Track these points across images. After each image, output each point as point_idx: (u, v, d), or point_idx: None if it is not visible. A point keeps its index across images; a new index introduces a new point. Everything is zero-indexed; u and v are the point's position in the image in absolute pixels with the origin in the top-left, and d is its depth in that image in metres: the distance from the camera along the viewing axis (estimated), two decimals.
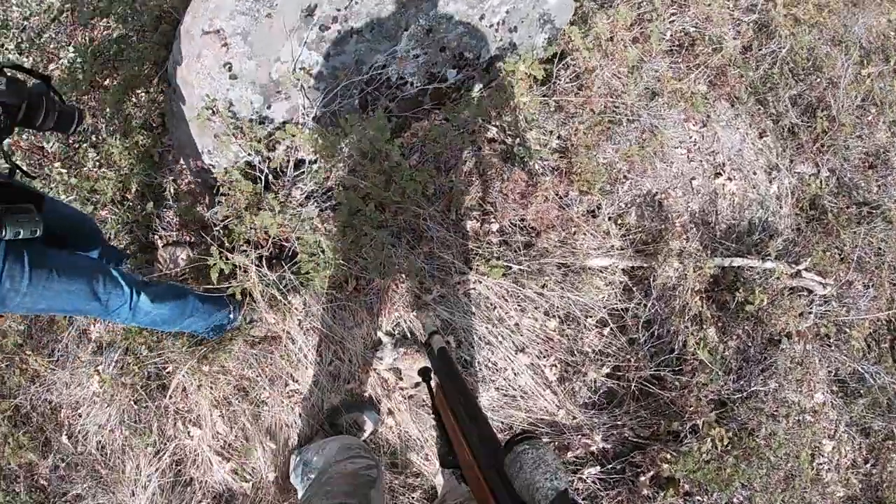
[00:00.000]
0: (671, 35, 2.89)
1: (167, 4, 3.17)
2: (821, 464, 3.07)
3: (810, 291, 3.16)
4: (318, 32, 2.32)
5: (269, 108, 2.41)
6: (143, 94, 2.93)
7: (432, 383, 1.35)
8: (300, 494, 2.09)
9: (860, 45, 3.78)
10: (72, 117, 1.73)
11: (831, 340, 3.31)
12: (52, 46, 3.23)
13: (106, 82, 3.12)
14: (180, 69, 2.44)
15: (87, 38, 3.20)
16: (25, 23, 3.25)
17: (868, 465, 3.23)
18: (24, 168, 1.93)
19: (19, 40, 3.17)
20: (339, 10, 2.29)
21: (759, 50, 3.10)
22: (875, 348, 3.59)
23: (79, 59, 3.05)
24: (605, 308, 2.59)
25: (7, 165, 1.68)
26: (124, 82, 2.89)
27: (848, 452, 3.17)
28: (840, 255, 3.28)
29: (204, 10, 2.33)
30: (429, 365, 1.41)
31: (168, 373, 2.38)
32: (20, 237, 1.53)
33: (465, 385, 1.24)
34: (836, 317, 3.26)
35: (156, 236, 2.71)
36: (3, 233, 1.49)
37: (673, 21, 2.88)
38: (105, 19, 3.26)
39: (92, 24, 3.27)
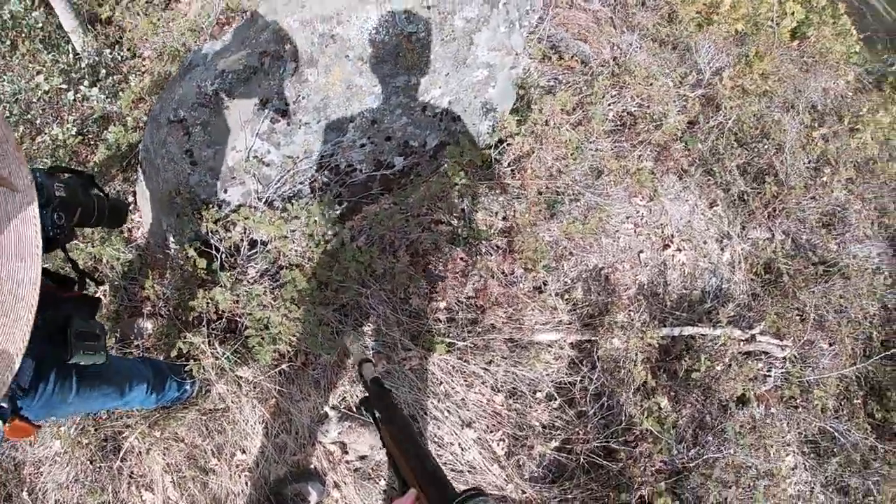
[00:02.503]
0: (614, 115, 3.04)
1: (143, 92, 3.44)
2: None
3: (768, 354, 3.21)
4: (270, 124, 2.52)
5: (225, 192, 2.60)
6: (118, 172, 3.17)
7: (376, 415, 1.30)
8: None
9: (814, 108, 3.90)
10: (122, 212, 1.80)
11: (797, 402, 3.34)
12: (38, 122, 3.50)
13: (86, 157, 3.38)
14: (149, 153, 2.66)
15: (70, 119, 3.46)
16: (15, 97, 3.50)
17: None
18: (89, 273, 1.97)
19: (9, 113, 3.41)
20: (288, 104, 2.50)
21: (707, 123, 3.23)
22: (847, 405, 3.60)
23: (62, 136, 3.30)
24: (552, 382, 2.68)
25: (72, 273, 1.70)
26: (102, 162, 3.15)
27: None
28: (800, 315, 3.33)
29: (170, 100, 2.57)
30: (368, 397, 1.37)
31: (124, 437, 2.52)
32: (83, 364, 1.50)
33: (402, 417, 1.23)
34: (799, 378, 3.30)
35: (122, 308, 2.89)
36: (71, 358, 1.46)
37: (615, 102, 3.03)
38: (86, 101, 3.53)
39: (76, 105, 3.54)
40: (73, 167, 1.77)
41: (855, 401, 3.60)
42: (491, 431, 2.58)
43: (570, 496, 2.61)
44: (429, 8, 2.54)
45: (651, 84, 3.03)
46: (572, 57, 3.16)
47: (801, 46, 4.15)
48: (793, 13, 4.28)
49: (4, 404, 1.36)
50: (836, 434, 3.40)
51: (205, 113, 2.51)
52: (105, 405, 1.94)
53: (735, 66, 3.42)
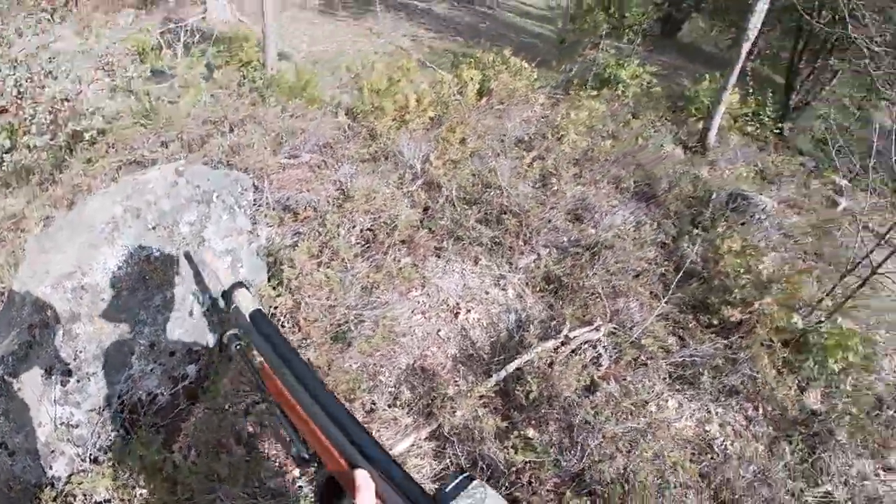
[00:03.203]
0: (356, 238, 3.49)
1: None
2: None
3: (590, 341, 3.65)
4: (61, 388, 2.63)
5: (51, 468, 2.63)
6: None
7: (256, 360, 1.03)
8: None
9: (520, 140, 4.66)
10: None
11: (641, 359, 3.77)
12: None
13: None
14: None
15: None
16: None
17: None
18: None
19: None
20: (69, 363, 2.63)
21: (436, 203, 3.78)
22: (684, 332, 4.10)
23: None
24: (429, 478, 2.88)
25: None
26: None
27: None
28: (595, 296, 3.83)
29: None
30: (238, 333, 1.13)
31: None
32: None
33: (299, 358, 0.98)
34: (627, 340, 3.74)
35: None
36: None
37: (351, 227, 3.48)
38: None
39: None
40: None
41: (689, 325, 4.13)
42: None
43: None
44: (154, 228, 2.87)
45: (374, 198, 3.53)
46: (304, 208, 3.60)
47: (489, 100, 4.98)
48: (472, 78, 5.15)
49: None
50: (692, 359, 3.86)
51: (1, 402, 2.60)
52: None
53: (437, 148, 4.06)
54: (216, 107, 4.33)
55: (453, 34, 8.97)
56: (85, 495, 2.64)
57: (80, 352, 2.70)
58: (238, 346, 1.15)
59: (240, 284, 1.20)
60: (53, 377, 2.64)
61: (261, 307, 1.13)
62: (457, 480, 0.75)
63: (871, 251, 4.44)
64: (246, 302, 1.14)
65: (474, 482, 0.75)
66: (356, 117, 4.50)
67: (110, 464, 2.66)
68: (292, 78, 5.31)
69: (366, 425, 3.14)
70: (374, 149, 4.11)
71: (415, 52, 7.24)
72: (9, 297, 2.82)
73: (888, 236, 4.56)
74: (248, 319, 1.11)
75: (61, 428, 2.66)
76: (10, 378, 2.62)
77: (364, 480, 0.76)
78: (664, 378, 3.90)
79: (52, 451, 2.68)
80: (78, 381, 2.71)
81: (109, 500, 2.75)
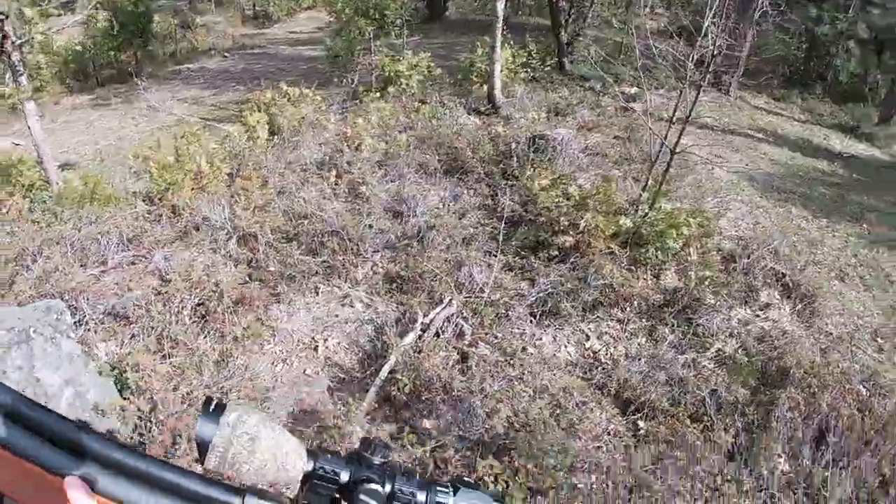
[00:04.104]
0: (189, 317, 3.44)
1: None
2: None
3: (451, 316, 3.86)
4: None
5: None
6: None
7: None
8: None
9: (321, 164, 4.77)
10: None
11: (505, 309, 4.03)
12: None
13: None
14: None
15: None
16: None
17: None
18: None
19: None
20: None
21: (257, 253, 3.80)
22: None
23: None
24: None
25: None
26: None
27: None
28: (439, 276, 4.03)
29: None
30: None
31: None
32: None
33: None
34: (481, 301, 3.99)
35: None
36: None
37: (182, 309, 3.43)
38: None
39: None
40: None
41: (533, 265, 4.44)
42: None
43: None
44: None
45: (192, 272, 3.48)
46: (133, 310, 3.46)
47: (282, 136, 5.04)
48: (258, 122, 5.17)
49: None
50: (546, 293, 4.16)
51: None
52: None
53: (240, 200, 4.07)
54: (12, 243, 4.04)
55: (232, 84, 8.86)
56: None
57: None
58: None
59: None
60: None
61: None
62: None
63: (666, 137, 4.84)
64: None
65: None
66: (153, 201, 4.37)
67: None
68: (80, 186, 5.02)
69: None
70: (181, 225, 4.03)
71: (198, 115, 7.08)
72: None
73: (674, 118, 4.93)
74: None
75: None
76: None
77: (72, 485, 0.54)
78: (530, 321, 4.17)
79: None
80: None
81: None
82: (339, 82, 6.72)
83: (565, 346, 4.25)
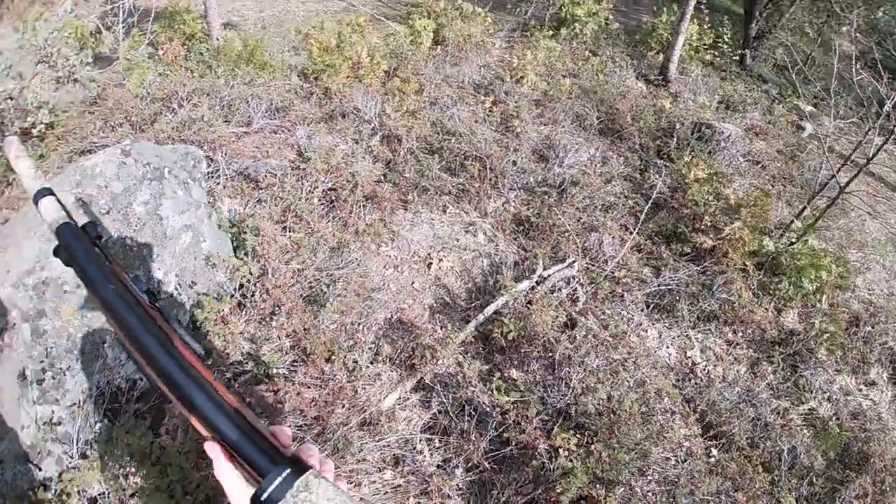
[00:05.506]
0: (318, 199, 3.42)
1: None
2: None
3: (566, 278, 3.66)
4: (38, 387, 2.58)
5: (40, 470, 2.59)
6: None
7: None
8: None
9: (478, 86, 4.57)
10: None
11: (618, 291, 3.79)
12: None
13: None
14: None
15: None
16: None
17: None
18: None
19: None
20: (42, 361, 2.57)
21: (397, 155, 3.71)
22: (650, 260, 4.12)
23: None
24: (419, 427, 2.89)
25: None
26: None
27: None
28: (566, 233, 3.81)
29: None
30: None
31: None
32: None
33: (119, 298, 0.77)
34: (602, 274, 3.75)
35: None
36: None
37: (313, 188, 3.41)
38: None
39: None
40: None
41: (663, 254, 4.15)
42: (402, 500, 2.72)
43: (503, 499, 2.77)
44: (108, 213, 2.77)
45: (332, 157, 3.45)
46: (264, 176, 3.51)
47: (446, 48, 4.87)
48: (425, 27, 5.02)
49: None
50: (668, 287, 3.89)
51: None
52: None
53: (393, 100, 3.97)
54: (163, 84, 4.18)
55: None
56: (79, 492, 2.60)
57: (51, 348, 2.63)
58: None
59: (46, 192, 0.95)
60: (28, 378, 2.57)
61: (70, 221, 0.89)
62: (278, 480, 0.58)
63: (838, 171, 4.50)
64: (51, 213, 0.92)
65: (300, 479, 0.59)
66: (308, 78, 4.37)
67: (98, 456, 2.62)
68: (239, 46, 5.12)
69: (348, 386, 3.14)
70: (330, 108, 4.00)
71: (366, 7, 7.04)
72: None
73: (852, 156, 4.62)
74: (55, 235, 0.88)
75: (44, 428, 2.61)
76: None
77: (211, 450, 0.66)
78: (642, 309, 3.93)
79: (39, 453, 2.62)
80: (54, 378, 2.65)
81: (104, 494, 2.71)
82: (513, 10, 6.40)
83: (667, 347, 4.00)
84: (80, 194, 2.83)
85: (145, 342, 0.71)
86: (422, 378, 3.04)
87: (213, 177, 3.45)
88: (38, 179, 1.05)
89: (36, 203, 0.96)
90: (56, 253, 0.91)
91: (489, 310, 3.28)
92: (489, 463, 2.87)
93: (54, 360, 2.65)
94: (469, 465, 2.87)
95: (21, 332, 2.62)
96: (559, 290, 3.58)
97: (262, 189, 3.45)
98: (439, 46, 4.96)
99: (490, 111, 4.12)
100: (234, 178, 3.52)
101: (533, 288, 3.46)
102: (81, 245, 0.88)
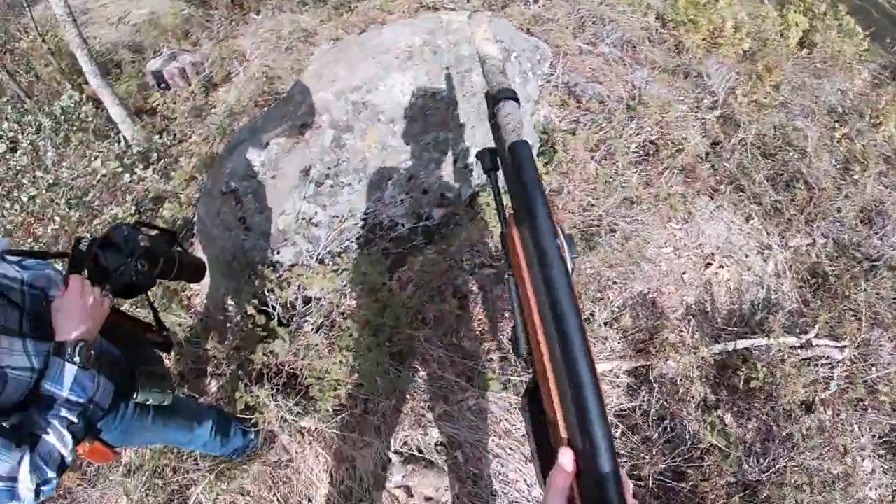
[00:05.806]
0: (636, 146, 3.18)
1: (193, 171, 3.71)
2: None
3: (827, 357, 3.20)
4: (315, 188, 2.73)
5: (278, 253, 2.79)
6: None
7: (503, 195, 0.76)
8: None
9: (832, 110, 3.97)
10: (200, 269, 1.92)
11: (865, 403, 3.29)
12: (96, 203, 3.68)
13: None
14: (204, 225, 2.89)
15: (128, 199, 3.72)
16: (73, 182, 3.66)
17: None
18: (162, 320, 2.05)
19: (68, 197, 3.54)
20: (329, 168, 2.71)
21: (729, 141, 3.34)
22: None
23: (121, 214, 3.56)
24: (612, 410, 2.74)
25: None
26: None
27: None
28: (854, 315, 3.32)
29: (221, 174, 2.80)
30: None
31: (190, 491, 2.60)
32: (149, 403, 1.64)
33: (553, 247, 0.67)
34: (863, 378, 3.26)
35: (187, 370, 3.05)
36: (137, 395, 1.60)
37: (635, 134, 3.17)
38: (142, 182, 3.82)
39: (131, 187, 3.83)
40: (157, 224, 1.93)
41: None
42: None
43: None
44: (447, 69, 2.77)
45: (668, 112, 3.17)
46: (589, 99, 3.34)
47: (811, 54, 4.26)
48: (797, 23, 4.41)
49: (75, 419, 1.31)
50: None
51: (254, 183, 2.74)
52: (176, 439, 2.05)
53: (747, 83, 3.55)
54: None
55: None
56: (300, 287, 2.75)
57: (343, 161, 2.73)
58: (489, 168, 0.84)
59: (509, 94, 0.86)
60: (311, 176, 2.69)
61: (526, 140, 0.78)
62: None
63: None
64: (511, 123, 0.82)
65: None
66: (665, 24, 4.03)
67: (334, 268, 2.72)
68: None
69: None
70: (677, 63, 3.67)
71: None
72: (287, 95, 2.87)
73: None
74: (507, 152, 0.78)
75: (302, 222, 2.75)
76: (269, 165, 2.68)
77: (565, 461, 0.59)
78: (875, 435, 3.41)
79: (285, 240, 2.79)
80: (332, 187, 2.76)
81: (319, 299, 2.85)
82: (890, 46, 5.49)
83: (876, 489, 3.45)
84: (429, 41, 2.82)
85: (568, 329, 0.62)
86: (645, 368, 2.84)
87: (546, 78, 3.34)
88: (502, 74, 0.94)
89: (496, 102, 0.87)
90: (480, 156, 0.84)
91: (742, 343, 2.96)
92: (654, 484, 2.67)
93: (339, 172, 2.75)
94: (634, 472, 2.69)
95: (324, 135, 2.72)
96: (816, 365, 3.15)
97: (582, 111, 3.29)
98: (804, 49, 4.36)
99: (839, 142, 3.58)
100: (561, 89, 3.38)
101: (794, 348, 3.07)
102: (532, 175, 0.75)
